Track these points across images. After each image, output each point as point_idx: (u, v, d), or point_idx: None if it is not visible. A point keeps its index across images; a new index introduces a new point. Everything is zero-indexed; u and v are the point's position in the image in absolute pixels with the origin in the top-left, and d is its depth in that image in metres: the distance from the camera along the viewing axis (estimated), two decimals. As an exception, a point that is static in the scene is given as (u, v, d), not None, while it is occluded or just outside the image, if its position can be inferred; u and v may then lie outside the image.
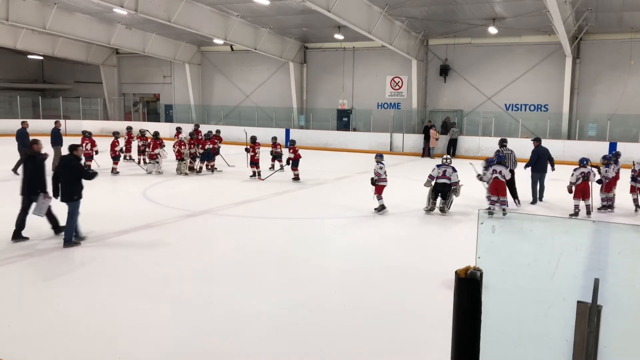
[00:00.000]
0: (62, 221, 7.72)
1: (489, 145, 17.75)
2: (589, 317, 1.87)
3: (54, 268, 6.76)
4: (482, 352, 2.11)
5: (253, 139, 15.00)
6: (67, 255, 7.30)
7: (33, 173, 7.69)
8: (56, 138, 15.18)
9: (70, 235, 7.52)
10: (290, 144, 14.26)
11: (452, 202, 10.55)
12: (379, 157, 10.44)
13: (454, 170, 10.43)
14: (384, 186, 10.31)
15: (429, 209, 10.48)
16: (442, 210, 10.42)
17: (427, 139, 22.39)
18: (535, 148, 11.99)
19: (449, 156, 10.97)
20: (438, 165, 10.51)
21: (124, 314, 5.31)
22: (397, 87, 25.70)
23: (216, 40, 23.89)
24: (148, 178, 14.59)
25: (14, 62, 33.02)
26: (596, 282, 1.91)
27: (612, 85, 21.37)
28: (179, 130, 18.73)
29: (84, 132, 15.69)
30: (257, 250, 7.81)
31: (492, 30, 20.66)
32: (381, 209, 10.27)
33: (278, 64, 27.49)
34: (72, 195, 7.48)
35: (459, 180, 10.45)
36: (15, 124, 17.90)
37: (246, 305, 5.63)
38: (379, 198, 10.25)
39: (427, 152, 22.27)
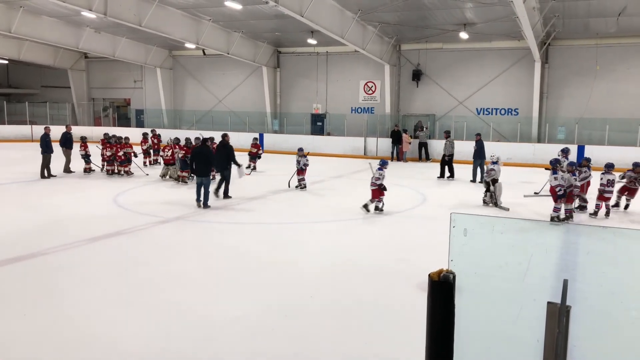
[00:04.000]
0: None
1: (460, 149, 18.08)
2: (558, 317, 1.90)
3: (19, 277, 6.56)
4: (456, 352, 2.12)
5: (176, 140, 15.57)
6: (34, 263, 7.11)
7: (224, 154, 12.18)
8: (66, 142, 16.26)
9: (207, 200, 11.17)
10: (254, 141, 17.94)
11: (495, 194, 11.47)
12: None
13: (493, 163, 11.66)
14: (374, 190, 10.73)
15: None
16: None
17: (394, 142, 22.57)
18: (477, 141, 15.55)
19: (494, 155, 12.07)
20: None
21: (95, 322, 5.19)
22: (370, 91, 25.86)
23: (188, 45, 23.65)
24: (119, 183, 14.32)
25: (-22, 67, 32.18)
26: (565, 283, 1.94)
27: (580, 90, 21.93)
28: (145, 136, 18.48)
29: (111, 137, 16.03)
30: (231, 255, 7.74)
31: (463, 35, 20.99)
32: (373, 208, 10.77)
33: (251, 68, 27.37)
34: (208, 173, 11.22)
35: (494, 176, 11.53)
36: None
37: (220, 310, 5.57)
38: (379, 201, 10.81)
39: (401, 155, 22.43)
